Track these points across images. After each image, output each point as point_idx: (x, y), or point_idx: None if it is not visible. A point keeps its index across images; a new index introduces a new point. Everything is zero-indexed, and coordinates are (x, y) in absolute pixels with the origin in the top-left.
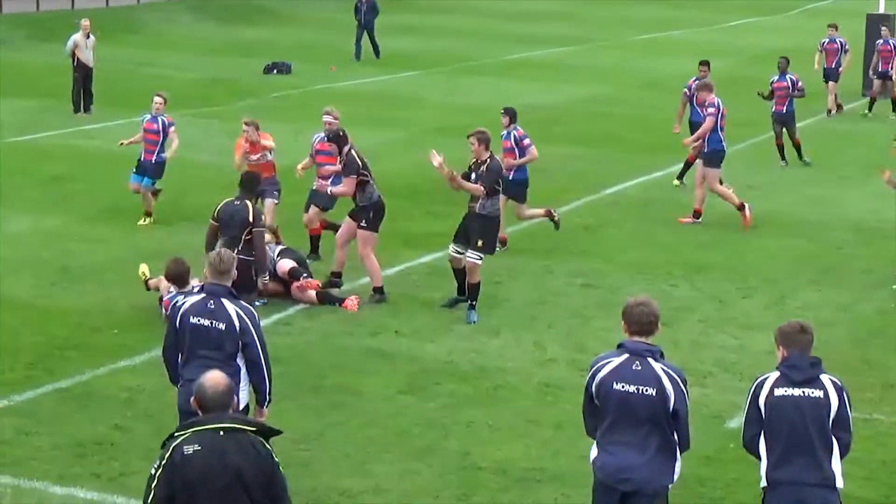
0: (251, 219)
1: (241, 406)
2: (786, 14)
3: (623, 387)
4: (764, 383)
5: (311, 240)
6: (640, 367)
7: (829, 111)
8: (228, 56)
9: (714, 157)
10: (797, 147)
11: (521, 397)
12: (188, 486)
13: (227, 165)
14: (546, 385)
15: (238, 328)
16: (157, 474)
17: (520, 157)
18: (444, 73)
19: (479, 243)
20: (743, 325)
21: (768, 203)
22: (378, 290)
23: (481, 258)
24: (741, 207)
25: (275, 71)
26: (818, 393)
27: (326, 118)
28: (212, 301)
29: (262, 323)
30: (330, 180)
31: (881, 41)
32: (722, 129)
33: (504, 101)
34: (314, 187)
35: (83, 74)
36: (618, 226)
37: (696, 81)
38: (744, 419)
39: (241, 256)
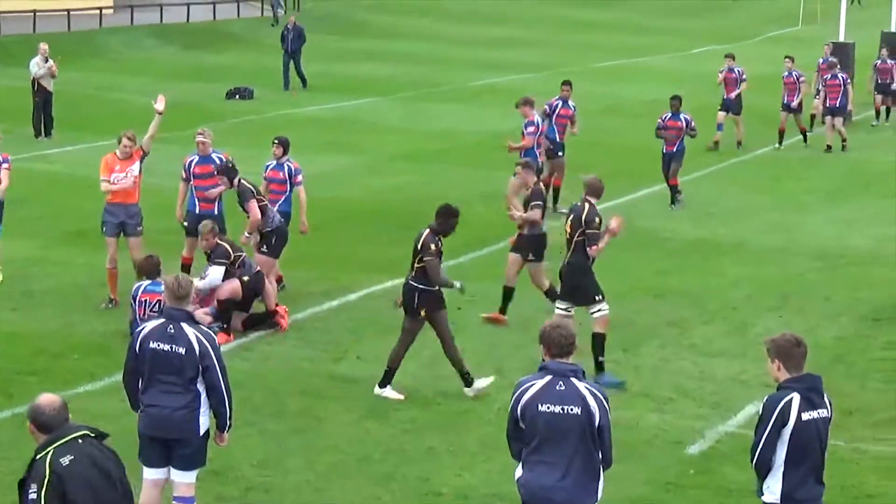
0: (419, 247)
1: (202, 431)
2: (748, 41)
3: (548, 408)
4: (789, 407)
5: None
6: (563, 388)
7: (716, 143)
8: (191, 81)
9: None
10: (672, 188)
11: (482, 423)
12: (79, 494)
13: None
14: (507, 411)
15: (198, 352)
16: (43, 493)
17: (290, 190)
18: (407, 98)
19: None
20: (703, 352)
21: (729, 230)
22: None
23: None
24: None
25: (237, 96)
26: (826, 413)
27: (200, 138)
28: (171, 326)
29: (223, 348)
30: (215, 203)
31: (786, 73)
32: (539, 146)
33: (468, 126)
34: (195, 211)
35: (43, 98)
36: None
37: (558, 100)
38: (760, 441)
39: (409, 281)
